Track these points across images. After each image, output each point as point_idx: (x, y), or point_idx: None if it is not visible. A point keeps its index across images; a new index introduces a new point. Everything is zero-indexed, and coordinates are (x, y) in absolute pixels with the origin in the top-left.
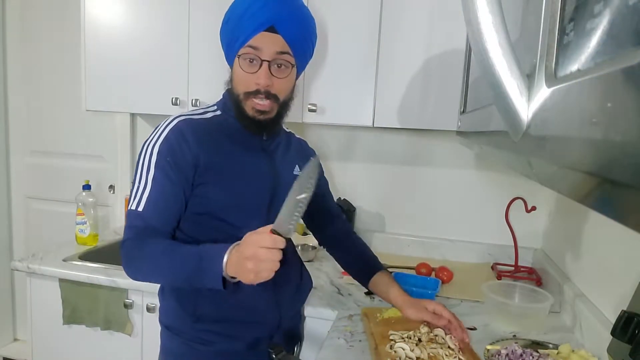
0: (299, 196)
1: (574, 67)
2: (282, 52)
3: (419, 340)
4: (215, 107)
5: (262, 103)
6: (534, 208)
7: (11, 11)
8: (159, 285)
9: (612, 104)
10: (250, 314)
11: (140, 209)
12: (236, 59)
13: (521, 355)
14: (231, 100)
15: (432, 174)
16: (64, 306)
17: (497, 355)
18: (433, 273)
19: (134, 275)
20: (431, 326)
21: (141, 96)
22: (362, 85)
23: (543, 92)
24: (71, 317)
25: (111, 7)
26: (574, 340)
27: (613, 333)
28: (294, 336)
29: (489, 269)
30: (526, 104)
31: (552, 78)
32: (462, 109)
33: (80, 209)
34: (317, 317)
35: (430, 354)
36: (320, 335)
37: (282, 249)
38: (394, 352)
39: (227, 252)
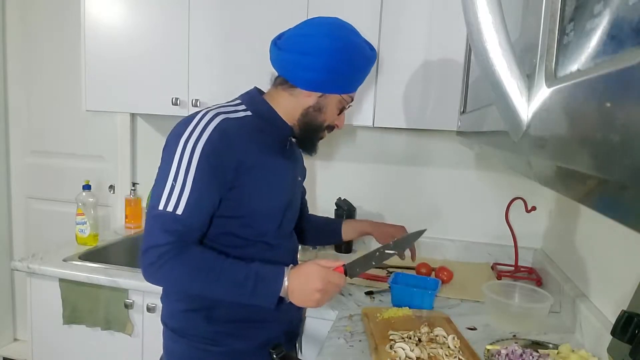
0: (388, 251)
1: (574, 67)
2: None
3: (419, 340)
4: (245, 107)
5: (325, 134)
6: (534, 208)
7: (11, 11)
8: (161, 288)
9: (612, 104)
10: (265, 313)
11: (179, 212)
12: (336, 97)
13: (521, 355)
14: (300, 122)
15: (432, 174)
16: (64, 306)
17: (497, 355)
18: (433, 273)
19: (167, 282)
20: (430, 327)
21: (141, 96)
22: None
23: (543, 92)
24: (71, 317)
25: (111, 7)
26: (574, 340)
27: (613, 333)
28: (294, 336)
29: (489, 269)
30: (526, 104)
31: (552, 78)
32: (462, 109)
33: (80, 209)
34: (317, 317)
35: (430, 354)
36: (320, 335)
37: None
38: (393, 352)
39: (286, 276)
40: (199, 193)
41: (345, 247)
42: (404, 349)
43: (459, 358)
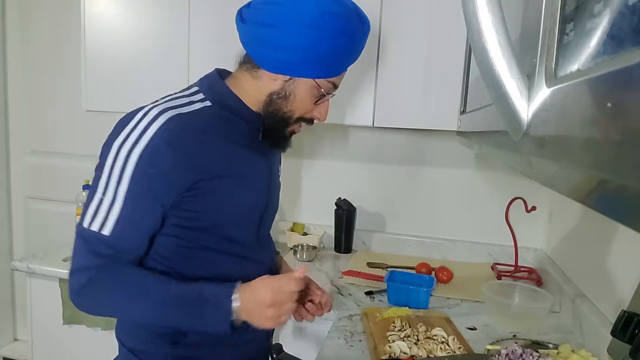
0: None
1: (574, 67)
2: None
3: (417, 339)
4: (202, 96)
5: (301, 127)
6: (534, 208)
7: (11, 11)
8: None
9: (612, 104)
10: (239, 335)
11: (105, 232)
12: (308, 82)
13: (521, 355)
14: (264, 110)
15: (432, 174)
16: (64, 306)
17: (497, 355)
18: (433, 273)
19: (94, 310)
20: (428, 326)
21: (141, 96)
22: (362, 85)
23: (543, 92)
24: (71, 317)
25: (111, 7)
26: (574, 340)
27: (613, 333)
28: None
29: (489, 269)
30: (526, 104)
31: (552, 78)
32: (462, 109)
33: (80, 209)
34: (317, 317)
35: (427, 349)
36: (320, 335)
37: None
38: (388, 348)
39: (236, 295)
40: (132, 210)
41: (345, 247)
42: (399, 346)
43: (452, 350)
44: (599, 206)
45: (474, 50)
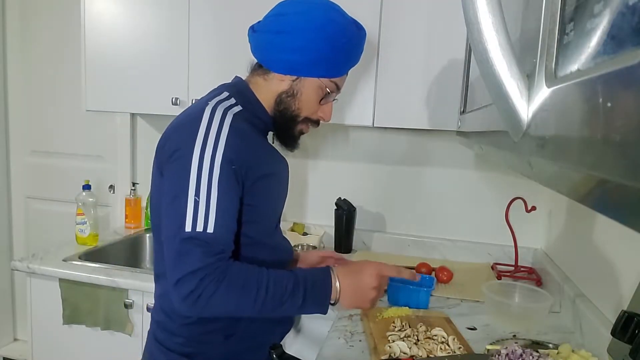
0: None
1: (574, 67)
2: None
3: (417, 339)
4: (234, 101)
5: (308, 128)
6: (534, 208)
7: (11, 11)
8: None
9: (612, 104)
10: (276, 319)
11: (210, 230)
12: (313, 81)
13: (521, 355)
14: (274, 109)
15: (432, 174)
16: (64, 306)
17: (497, 355)
18: (433, 273)
19: (213, 309)
20: (428, 326)
21: (141, 96)
22: (362, 85)
23: (543, 92)
24: (71, 317)
25: (111, 7)
26: (574, 340)
27: (613, 333)
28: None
29: (489, 269)
30: (526, 104)
31: (552, 78)
32: (462, 109)
33: (80, 209)
34: (317, 317)
35: (426, 349)
36: (320, 335)
37: None
38: (388, 348)
39: (335, 278)
40: (226, 206)
41: (344, 247)
42: (399, 346)
43: (452, 350)
44: (599, 206)
45: (474, 50)
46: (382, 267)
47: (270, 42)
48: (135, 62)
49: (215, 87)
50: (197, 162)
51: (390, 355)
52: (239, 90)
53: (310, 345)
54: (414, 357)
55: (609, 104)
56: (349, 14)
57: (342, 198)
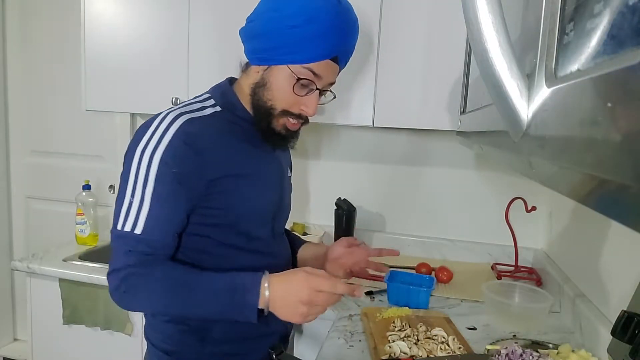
0: None
1: (574, 67)
2: (332, 83)
3: (417, 339)
4: (213, 101)
5: (294, 123)
6: (534, 208)
7: (11, 11)
8: None
9: (612, 104)
10: (261, 327)
11: (137, 231)
12: (285, 69)
13: (521, 355)
14: (251, 103)
15: (432, 174)
16: (64, 306)
17: (497, 355)
18: (433, 273)
19: (137, 306)
20: (428, 326)
21: (141, 96)
22: (362, 85)
23: (543, 92)
24: (71, 317)
25: (111, 7)
26: (574, 340)
27: (613, 333)
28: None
29: (489, 269)
30: (526, 104)
31: (552, 78)
32: (462, 109)
33: (80, 209)
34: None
35: (426, 349)
36: (320, 335)
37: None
38: (389, 348)
39: (265, 285)
40: (160, 208)
41: None
42: (399, 346)
43: (452, 350)
44: (599, 206)
45: (474, 50)
46: (316, 281)
47: (244, 34)
48: (135, 62)
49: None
50: (136, 163)
51: (390, 355)
52: (222, 91)
53: (310, 345)
54: (414, 357)
55: (609, 104)
56: None
57: (342, 198)
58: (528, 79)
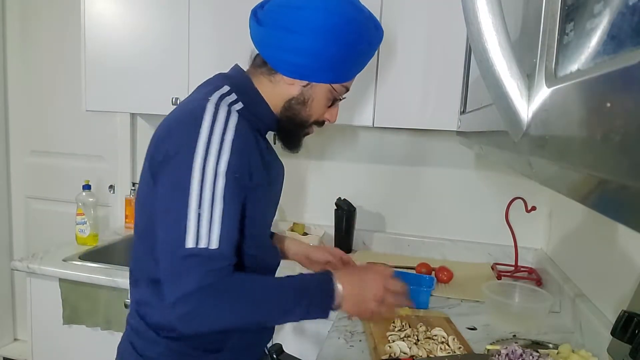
0: None
1: (574, 67)
2: None
3: (417, 339)
4: (236, 97)
5: (313, 130)
6: (534, 208)
7: (11, 11)
8: None
9: (612, 104)
10: (266, 330)
11: (213, 246)
12: (324, 87)
13: (521, 355)
14: (282, 113)
15: (432, 174)
16: (64, 306)
17: (497, 355)
18: (433, 273)
19: (211, 325)
20: (428, 326)
21: (141, 96)
22: (362, 85)
23: (543, 92)
24: (71, 317)
25: (111, 7)
26: (574, 340)
27: (613, 333)
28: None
29: (489, 269)
30: (526, 104)
31: (552, 78)
32: (462, 109)
33: (80, 209)
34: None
35: (427, 349)
36: (320, 335)
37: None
38: (389, 348)
39: (337, 280)
40: (230, 217)
41: (344, 247)
42: (399, 346)
43: (452, 350)
44: (599, 206)
45: (474, 50)
46: (389, 281)
47: (278, 40)
48: (135, 62)
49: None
50: (199, 170)
51: (390, 355)
52: (241, 85)
53: (310, 345)
54: (414, 357)
55: (608, 104)
56: None
57: (342, 198)
58: (528, 79)
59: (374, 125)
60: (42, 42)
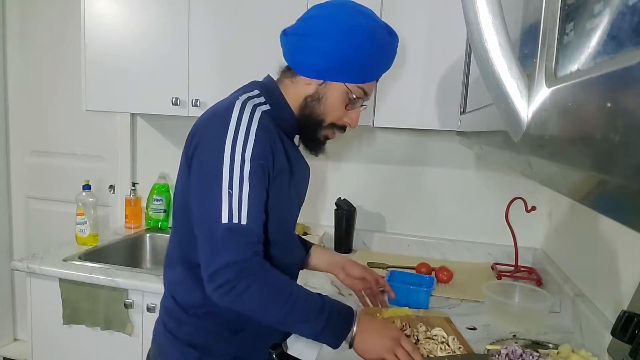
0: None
1: (574, 67)
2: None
3: (417, 339)
4: (264, 100)
5: (335, 133)
6: (534, 208)
7: (11, 11)
8: (160, 285)
9: (612, 104)
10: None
11: (244, 222)
12: (339, 86)
13: (521, 355)
14: (300, 112)
15: (432, 174)
16: (64, 306)
17: (497, 355)
18: (433, 273)
19: (245, 303)
20: (428, 326)
21: (141, 96)
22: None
23: (543, 92)
24: (71, 317)
25: (111, 7)
26: (574, 340)
27: (613, 333)
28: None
29: (489, 269)
30: (526, 104)
31: (552, 78)
32: (462, 109)
33: (80, 209)
34: None
35: (426, 349)
36: None
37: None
38: None
39: (356, 316)
40: (256, 198)
41: (344, 247)
42: None
43: (452, 350)
44: (598, 206)
45: (474, 50)
46: (404, 341)
47: (297, 45)
48: (135, 62)
49: (246, 83)
50: (228, 157)
51: None
52: (269, 89)
53: (310, 345)
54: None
55: (608, 104)
56: None
57: (342, 198)
58: (528, 79)
59: (374, 125)
60: (42, 42)
